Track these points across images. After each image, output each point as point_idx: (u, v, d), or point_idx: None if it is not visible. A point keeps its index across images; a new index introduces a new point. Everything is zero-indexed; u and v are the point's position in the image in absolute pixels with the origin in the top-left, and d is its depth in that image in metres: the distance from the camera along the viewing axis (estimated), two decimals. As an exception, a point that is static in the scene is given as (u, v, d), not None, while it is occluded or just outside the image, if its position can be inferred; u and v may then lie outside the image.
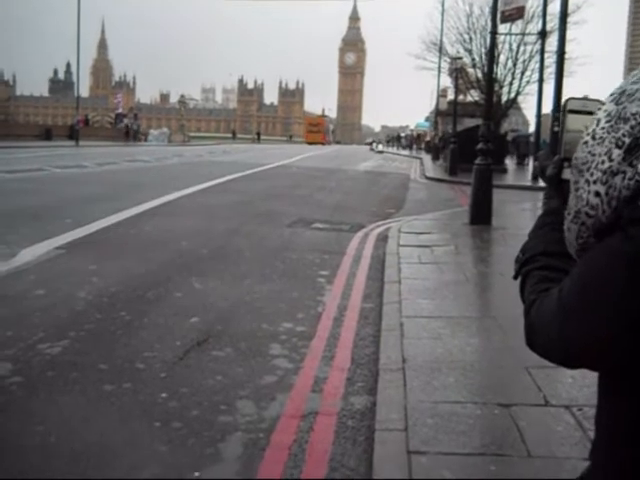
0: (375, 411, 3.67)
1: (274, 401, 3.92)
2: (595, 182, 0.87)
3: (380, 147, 66.24)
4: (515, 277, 1.12)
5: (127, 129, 55.06)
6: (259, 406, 3.84)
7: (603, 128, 0.88)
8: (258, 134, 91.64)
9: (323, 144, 79.75)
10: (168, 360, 4.49)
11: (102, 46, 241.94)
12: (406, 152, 58.44)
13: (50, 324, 5.14)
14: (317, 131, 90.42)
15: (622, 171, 0.84)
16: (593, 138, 0.89)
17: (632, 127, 0.84)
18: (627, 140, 0.84)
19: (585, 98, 1.19)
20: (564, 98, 1.25)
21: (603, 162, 0.86)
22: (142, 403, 3.82)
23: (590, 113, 1.14)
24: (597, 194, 0.86)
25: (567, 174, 1.08)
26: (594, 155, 0.88)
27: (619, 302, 0.82)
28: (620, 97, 0.87)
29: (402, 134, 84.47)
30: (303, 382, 4.24)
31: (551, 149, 1.26)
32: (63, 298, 5.87)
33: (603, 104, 0.90)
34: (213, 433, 3.49)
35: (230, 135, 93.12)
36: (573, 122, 1.15)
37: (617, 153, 0.84)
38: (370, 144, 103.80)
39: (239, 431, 3.52)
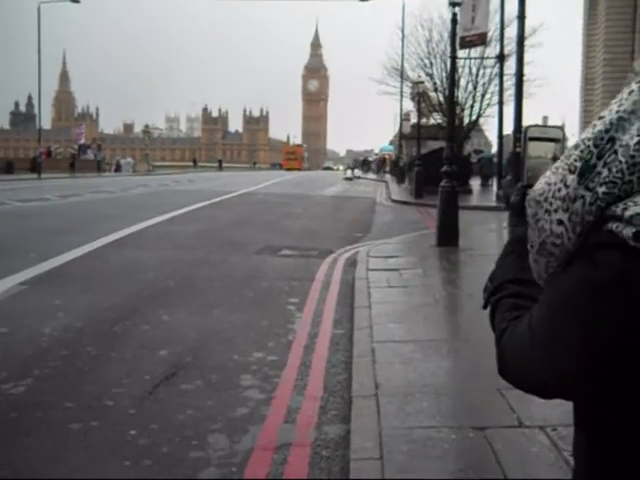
0: (349, 440, 3.62)
1: (247, 434, 3.86)
2: (556, 210, 0.86)
3: (357, 172, 58.10)
4: (484, 306, 1.11)
5: (73, 159, 53.09)
6: (231, 439, 3.77)
7: (560, 160, 0.89)
8: (220, 162, 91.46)
9: (300, 170, 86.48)
10: (137, 395, 4.39)
11: (64, 78, 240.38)
12: (373, 176, 57.39)
13: (13, 362, 5.01)
14: (294, 158, 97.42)
15: (580, 196, 0.83)
16: (550, 171, 0.89)
17: (582, 151, 0.84)
18: (578, 164, 0.84)
19: (544, 125, 1.20)
20: (524, 119, 1.26)
21: (560, 190, 0.85)
22: (111, 441, 3.72)
23: (550, 140, 1.15)
24: (560, 222, 0.86)
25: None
26: (550, 184, 0.87)
27: (585, 332, 0.80)
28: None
29: (370, 158, 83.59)
30: (276, 413, 4.18)
31: (513, 169, 1.27)
32: (27, 335, 5.73)
33: (561, 129, 0.90)
34: (185, 469, 3.41)
35: (191, 163, 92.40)
36: (534, 149, 1.17)
37: (571, 178, 0.84)
38: (328, 169, 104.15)
39: (212, 466, 3.45)
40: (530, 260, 0.95)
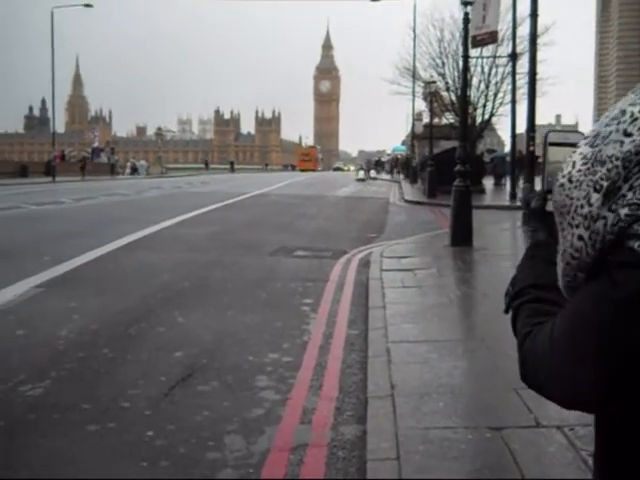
0: (366, 440, 3.62)
1: (263, 434, 3.86)
2: (577, 226, 0.85)
3: (372, 173, 54.07)
4: (506, 311, 1.11)
5: (84, 163, 52.79)
6: (248, 440, 3.77)
7: (580, 171, 0.86)
8: (232, 163, 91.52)
9: (314, 170, 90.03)
10: (153, 397, 4.41)
11: (77, 82, 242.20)
12: (387, 176, 55.91)
13: (31, 365, 5.04)
14: (309, 160, 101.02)
15: (603, 216, 0.82)
16: (570, 181, 0.87)
17: (609, 170, 0.82)
18: (605, 183, 0.82)
19: (565, 130, 1.20)
20: (537, 118, 1.26)
21: (582, 206, 0.84)
22: (128, 443, 3.74)
23: (571, 145, 1.15)
24: (580, 238, 0.85)
25: (551, 206, 1.07)
26: (572, 199, 0.86)
27: (603, 349, 0.80)
28: (595, 140, 0.86)
29: (383, 159, 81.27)
30: (291, 414, 4.18)
31: (527, 169, 1.26)
32: (44, 338, 5.77)
33: (582, 134, 0.89)
34: (202, 470, 3.42)
35: (203, 165, 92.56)
36: (554, 154, 1.16)
37: (596, 197, 0.83)
38: (339, 169, 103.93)
39: (228, 467, 3.46)
40: (557, 259, 0.94)
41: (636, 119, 0.82)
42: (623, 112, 0.83)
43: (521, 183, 19.85)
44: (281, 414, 4.17)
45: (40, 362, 5.12)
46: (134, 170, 59.47)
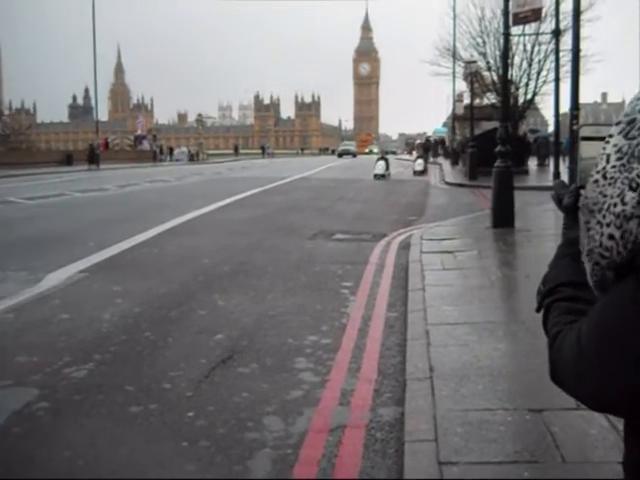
0: (404, 422, 3.61)
1: (301, 416, 3.89)
2: (609, 225, 0.82)
3: (419, 164, 31.70)
4: (538, 309, 1.09)
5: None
6: (286, 421, 3.81)
7: (614, 167, 0.83)
8: (262, 148, 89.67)
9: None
10: (194, 379, 4.48)
11: (119, 70, 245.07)
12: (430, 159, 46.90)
13: (75, 347, 5.16)
14: (364, 145, 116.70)
15: (637, 216, 0.79)
16: (604, 177, 0.84)
17: None
18: None
19: (598, 124, 1.17)
20: (582, 96, 1.22)
21: (616, 205, 0.81)
22: (169, 423, 3.80)
23: (604, 139, 1.12)
24: (611, 237, 0.82)
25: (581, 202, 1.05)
26: (605, 196, 0.83)
27: (635, 352, 0.79)
28: (630, 129, 0.82)
29: (431, 139, 59.48)
30: (330, 395, 4.20)
31: (569, 149, 1.22)
32: (88, 321, 5.90)
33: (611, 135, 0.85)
34: (241, 451, 3.46)
35: (236, 151, 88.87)
36: (587, 149, 1.13)
37: (631, 196, 0.80)
38: (371, 153, 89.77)
39: (267, 447, 3.49)
40: (582, 259, 0.92)
41: None
42: None
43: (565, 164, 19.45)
44: (319, 396, 4.19)
45: (84, 345, 5.24)
46: (192, 157, 60.85)
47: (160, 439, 3.62)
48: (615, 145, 0.83)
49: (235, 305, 6.46)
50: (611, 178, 0.83)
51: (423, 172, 30.61)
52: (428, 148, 50.79)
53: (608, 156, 0.84)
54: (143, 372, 4.62)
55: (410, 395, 3.96)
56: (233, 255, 9.23)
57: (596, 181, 0.85)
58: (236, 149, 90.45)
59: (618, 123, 0.85)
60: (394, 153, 79.22)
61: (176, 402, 4.09)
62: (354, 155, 76.60)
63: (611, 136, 0.85)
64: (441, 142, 54.94)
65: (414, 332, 5.23)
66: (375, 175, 27.55)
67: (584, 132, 1.15)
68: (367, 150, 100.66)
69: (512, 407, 3.69)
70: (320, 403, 4.08)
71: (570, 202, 1.09)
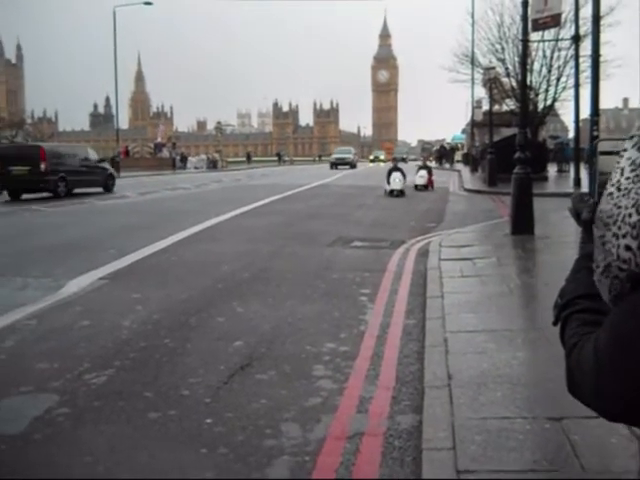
0: (422, 430, 3.61)
1: (319, 423, 3.89)
2: (625, 236, 0.82)
3: (421, 176, 24.86)
4: (555, 323, 1.09)
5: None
6: (304, 428, 3.81)
7: (628, 178, 0.83)
8: (278, 155, 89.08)
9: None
10: (212, 385, 4.50)
11: (139, 78, 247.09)
12: (447, 165, 49.42)
13: (95, 354, 5.21)
14: (390, 153, 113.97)
15: None
16: (618, 189, 0.84)
17: None
18: None
19: (615, 138, 1.16)
20: (602, 102, 1.22)
21: (630, 215, 0.82)
22: (188, 430, 3.83)
23: None
24: (628, 248, 0.82)
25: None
26: (620, 208, 0.83)
27: None
28: None
29: (447, 146, 60.57)
30: (348, 403, 4.20)
31: (588, 154, 1.22)
32: (108, 327, 5.95)
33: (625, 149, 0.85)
34: (259, 457, 3.47)
35: (257, 157, 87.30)
36: (605, 164, 1.13)
37: None
38: (376, 160, 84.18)
39: (285, 455, 3.50)
40: (595, 279, 0.92)
41: None
42: None
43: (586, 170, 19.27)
44: (337, 403, 4.19)
45: (104, 351, 5.28)
46: (213, 164, 60.94)
47: (179, 445, 3.64)
48: (629, 158, 0.84)
49: (254, 312, 6.48)
50: (625, 189, 0.83)
51: (426, 187, 24.42)
52: (442, 155, 51.46)
53: (622, 169, 0.84)
54: (162, 378, 4.65)
55: (428, 403, 3.95)
56: (252, 262, 9.27)
57: (610, 194, 0.86)
58: (248, 157, 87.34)
59: (632, 137, 0.85)
60: (403, 160, 64.60)
61: (195, 408, 4.12)
62: (352, 165, 57.32)
63: (625, 150, 0.85)
64: (457, 149, 54.61)
65: (432, 340, 5.22)
66: (391, 191, 21.36)
67: (602, 147, 1.15)
68: (371, 157, 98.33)
69: (531, 415, 3.66)
70: (338, 410, 4.08)
71: (588, 216, 1.09)
